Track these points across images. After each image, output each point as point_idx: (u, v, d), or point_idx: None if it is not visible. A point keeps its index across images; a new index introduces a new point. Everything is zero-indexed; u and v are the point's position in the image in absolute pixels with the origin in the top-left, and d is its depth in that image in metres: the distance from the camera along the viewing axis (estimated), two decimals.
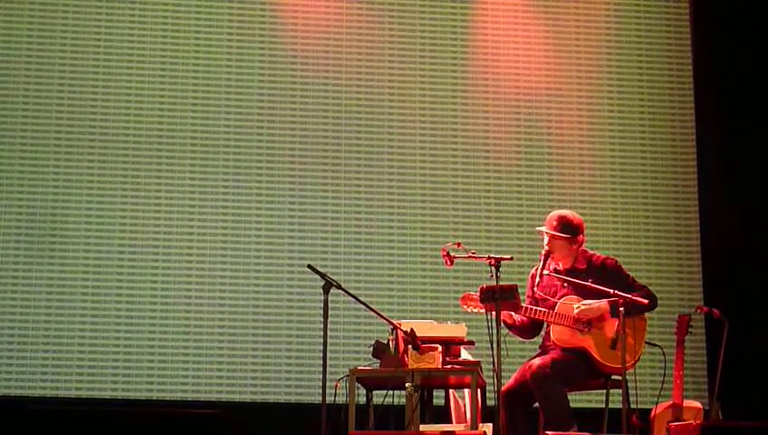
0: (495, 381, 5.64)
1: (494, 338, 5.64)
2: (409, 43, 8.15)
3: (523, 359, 6.40)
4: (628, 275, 6.28)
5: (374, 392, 6.08)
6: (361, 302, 5.87)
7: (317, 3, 8.11)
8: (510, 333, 6.21)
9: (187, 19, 8.01)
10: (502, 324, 5.80)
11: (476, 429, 5.63)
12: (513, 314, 6.13)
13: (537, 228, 6.42)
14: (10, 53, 7.82)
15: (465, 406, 6.31)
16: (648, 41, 8.35)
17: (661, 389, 6.48)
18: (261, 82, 7.98)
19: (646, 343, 6.15)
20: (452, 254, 6.01)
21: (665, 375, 6.44)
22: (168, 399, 7.52)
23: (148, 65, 7.91)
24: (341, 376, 5.82)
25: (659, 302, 6.25)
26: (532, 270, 6.30)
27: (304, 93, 8.00)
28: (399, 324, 5.74)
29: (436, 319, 6.22)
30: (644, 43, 8.34)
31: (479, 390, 5.83)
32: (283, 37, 8.06)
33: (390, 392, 5.91)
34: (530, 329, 6.32)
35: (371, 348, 5.76)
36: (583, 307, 6.06)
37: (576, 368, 6.06)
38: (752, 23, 8.21)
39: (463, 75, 8.15)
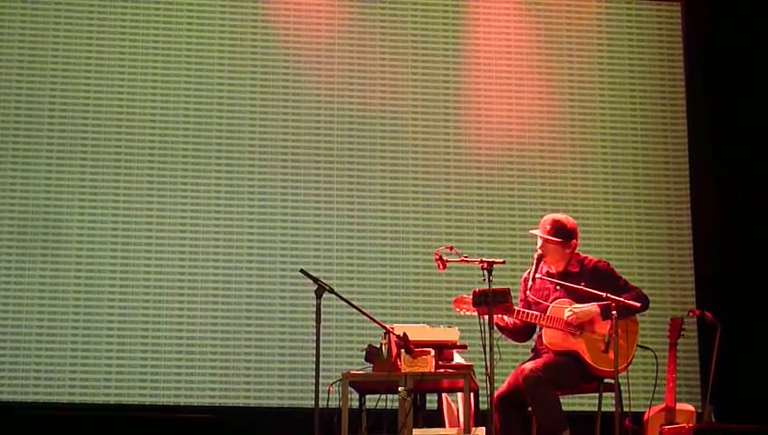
0: (488, 384, 5.64)
1: (487, 342, 5.64)
2: (402, 51, 8.16)
3: (516, 363, 6.39)
4: (620, 277, 6.26)
5: (367, 397, 6.07)
6: (354, 306, 5.86)
7: (308, 17, 8.10)
8: (503, 336, 6.21)
9: (178, 29, 8.00)
10: (495, 327, 5.80)
11: (469, 433, 5.63)
12: (504, 316, 6.12)
13: (530, 231, 6.42)
14: (2, 56, 7.81)
15: (458, 410, 6.30)
16: (641, 46, 8.36)
17: (654, 392, 6.49)
18: (253, 88, 7.98)
19: (638, 346, 6.15)
20: (444, 258, 6.01)
21: (657, 378, 6.45)
22: (161, 404, 7.51)
23: (141, 70, 7.91)
24: (334, 380, 5.81)
25: (652, 305, 6.24)
26: (525, 274, 6.31)
27: (297, 99, 8.01)
28: (392, 328, 5.73)
29: (428, 323, 6.21)
30: (636, 48, 8.35)
31: (472, 394, 5.83)
32: (275, 45, 8.06)
33: (383, 396, 5.89)
34: (523, 332, 6.31)
35: (364, 352, 5.76)
36: (574, 312, 6.06)
37: (568, 371, 6.04)
38: (745, 27, 8.22)
39: (455, 81, 8.16)
